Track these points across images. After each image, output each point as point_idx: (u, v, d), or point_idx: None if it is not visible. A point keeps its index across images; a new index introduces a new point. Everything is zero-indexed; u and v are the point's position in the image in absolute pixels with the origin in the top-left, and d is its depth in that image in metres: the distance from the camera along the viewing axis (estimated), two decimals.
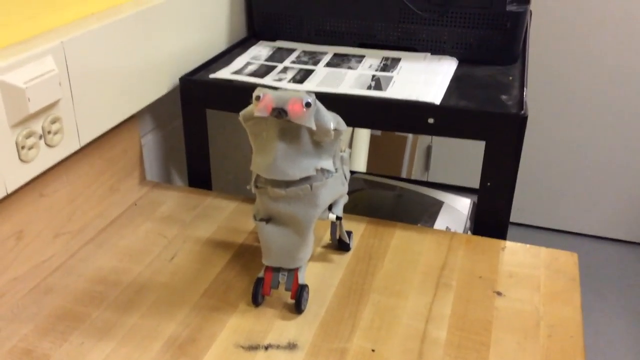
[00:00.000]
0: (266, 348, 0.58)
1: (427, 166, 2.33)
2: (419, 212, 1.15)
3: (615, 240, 2.27)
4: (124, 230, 0.75)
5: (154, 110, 0.91)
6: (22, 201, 0.66)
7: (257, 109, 0.56)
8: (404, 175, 2.06)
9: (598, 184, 2.20)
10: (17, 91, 0.59)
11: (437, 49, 0.93)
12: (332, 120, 0.58)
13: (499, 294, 0.65)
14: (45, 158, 0.65)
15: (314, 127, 0.56)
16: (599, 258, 2.17)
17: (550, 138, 2.18)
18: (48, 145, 0.65)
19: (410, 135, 2.04)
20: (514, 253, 0.72)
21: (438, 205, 1.18)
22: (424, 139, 2.28)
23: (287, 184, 0.59)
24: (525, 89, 0.80)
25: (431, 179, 2.28)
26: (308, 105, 0.55)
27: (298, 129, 0.57)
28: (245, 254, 0.72)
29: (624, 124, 2.09)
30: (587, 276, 2.10)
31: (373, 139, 2.00)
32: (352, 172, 1.30)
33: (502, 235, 0.77)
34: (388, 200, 1.20)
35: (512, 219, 2.26)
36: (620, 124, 2.09)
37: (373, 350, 0.58)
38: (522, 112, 0.73)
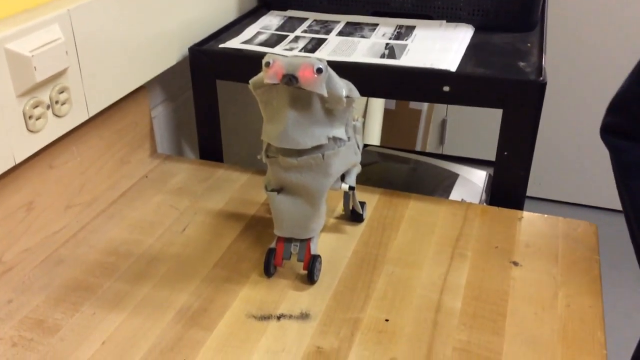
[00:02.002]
0: (278, 318, 0.57)
1: (441, 140, 2.30)
2: (433, 185, 1.14)
3: None
4: (135, 202, 0.75)
5: (164, 82, 0.90)
6: (31, 172, 0.65)
7: (267, 75, 0.55)
8: (418, 149, 2.04)
9: None
10: (23, 60, 0.58)
11: (453, 17, 0.91)
12: (345, 87, 0.57)
13: (515, 264, 0.64)
14: (53, 128, 0.64)
15: (325, 94, 0.55)
16: (618, 231, 2.14)
17: (569, 108, 2.14)
18: (56, 116, 0.64)
19: (424, 109, 2.01)
20: (531, 223, 0.70)
21: (453, 177, 1.16)
22: (439, 113, 2.25)
23: (299, 153, 0.58)
24: (544, 55, 0.78)
25: (446, 153, 2.26)
26: (319, 71, 0.54)
27: (309, 96, 0.56)
28: (257, 226, 0.71)
29: None
30: (605, 249, 2.08)
31: (387, 113, 1.98)
32: (365, 145, 1.28)
33: (519, 206, 0.75)
34: (402, 173, 1.19)
35: (529, 193, 2.23)
36: None
37: (387, 320, 0.57)
38: (541, 78, 0.70)
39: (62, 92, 0.64)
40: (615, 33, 1.97)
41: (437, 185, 1.14)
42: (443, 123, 2.27)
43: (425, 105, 2.01)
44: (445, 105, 2.23)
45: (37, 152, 0.65)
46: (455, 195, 1.09)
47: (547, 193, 2.29)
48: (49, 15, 0.62)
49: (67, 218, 0.71)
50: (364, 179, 1.13)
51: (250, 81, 0.58)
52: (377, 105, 1.86)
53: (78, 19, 0.65)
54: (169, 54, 0.82)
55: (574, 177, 2.24)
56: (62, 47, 0.62)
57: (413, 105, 2.00)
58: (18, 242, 0.65)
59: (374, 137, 1.84)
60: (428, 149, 2.15)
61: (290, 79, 0.54)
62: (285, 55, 0.55)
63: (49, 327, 0.56)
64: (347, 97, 0.57)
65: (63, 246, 0.67)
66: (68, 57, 0.64)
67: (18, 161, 0.61)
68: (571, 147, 2.20)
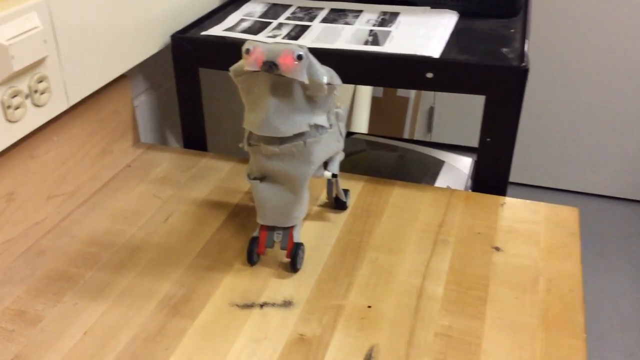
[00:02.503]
0: (261, 306, 0.57)
1: (429, 127, 2.30)
2: (420, 173, 1.14)
3: (618, 198, 2.26)
4: (117, 192, 0.74)
5: (147, 70, 0.89)
6: (11, 163, 0.65)
7: (248, 62, 0.54)
8: (406, 137, 2.04)
9: (601, 142, 2.17)
10: (0, 48, 0.57)
11: (437, 3, 0.90)
12: (326, 74, 0.56)
13: (497, 249, 0.64)
14: (33, 118, 0.64)
15: (306, 81, 0.55)
16: (601, 216, 2.16)
17: (552, 94, 2.14)
18: (35, 105, 0.64)
19: (411, 97, 2.01)
20: (513, 209, 0.70)
21: (439, 164, 1.17)
22: (426, 100, 2.25)
23: (281, 140, 0.58)
24: (526, 41, 0.78)
25: (434, 140, 2.26)
26: (300, 57, 0.53)
27: (290, 83, 0.55)
28: (240, 214, 0.71)
29: (629, 79, 2.05)
30: (589, 234, 2.10)
31: (374, 101, 1.97)
32: (353, 133, 1.28)
33: (502, 192, 0.76)
34: (389, 161, 1.19)
35: (512, 179, 2.25)
36: (625, 79, 2.05)
37: (369, 307, 0.57)
38: (523, 64, 0.70)
39: (41, 81, 0.63)
40: (599, 19, 1.98)
41: (424, 172, 1.14)
42: (431, 110, 2.27)
43: (412, 93, 2.01)
44: (433, 93, 2.24)
45: (17, 142, 0.65)
46: (441, 182, 1.09)
47: (531, 179, 2.31)
48: (27, 4, 0.61)
49: (48, 208, 0.70)
50: (350, 167, 1.13)
51: (230, 68, 0.57)
52: (365, 93, 1.86)
53: (57, 7, 0.64)
54: (151, 41, 0.81)
55: (556, 162, 2.25)
56: (40, 35, 0.62)
57: (400, 92, 2.00)
58: None
59: (362, 125, 1.84)
60: (416, 137, 2.15)
61: (270, 66, 0.53)
62: (265, 42, 0.55)
63: (31, 318, 0.56)
64: (329, 84, 0.56)
65: (44, 237, 0.67)
66: (47, 46, 0.63)
67: None
68: (554, 133, 2.21)
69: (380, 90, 2.00)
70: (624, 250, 2.06)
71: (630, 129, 2.12)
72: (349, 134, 1.25)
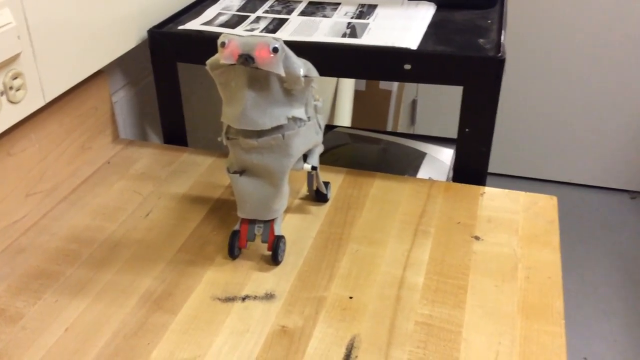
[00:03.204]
0: (243, 299, 0.57)
1: (412, 120, 2.31)
2: (403, 165, 1.14)
3: (596, 187, 2.28)
4: (97, 189, 0.74)
5: (125, 66, 0.88)
6: None
7: (223, 56, 0.54)
8: (389, 130, 2.04)
9: (578, 131, 2.20)
10: None
11: None
12: (302, 66, 0.56)
13: (477, 238, 0.65)
14: (8, 115, 0.63)
15: (282, 74, 0.55)
16: (579, 205, 2.19)
17: (529, 84, 2.16)
18: (11, 102, 0.63)
19: (394, 89, 2.01)
20: (493, 198, 0.71)
21: (421, 156, 1.17)
22: (409, 93, 2.26)
23: (259, 134, 0.58)
24: (503, 31, 0.78)
25: (418, 133, 2.27)
26: (275, 50, 0.53)
27: (267, 76, 0.55)
28: (222, 208, 0.71)
29: (606, 70, 2.07)
30: (569, 223, 2.12)
31: (357, 94, 1.97)
32: (335, 127, 1.28)
33: (482, 182, 0.76)
34: (372, 154, 1.19)
35: (492, 170, 2.27)
36: (602, 70, 2.07)
37: (351, 298, 0.57)
38: (500, 55, 0.71)
39: (15, 78, 0.63)
40: (575, 9, 2.00)
41: (407, 165, 1.14)
42: (413, 103, 2.28)
43: (395, 86, 2.01)
44: (416, 86, 2.24)
45: None
46: (423, 173, 1.10)
47: (510, 169, 2.32)
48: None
49: (27, 206, 0.70)
50: (333, 160, 1.13)
51: (207, 62, 0.57)
52: (347, 87, 1.86)
53: (30, 3, 0.63)
54: (128, 36, 0.81)
55: (535, 152, 2.27)
56: (13, 31, 0.61)
57: (383, 85, 2.00)
58: None
59: (345, 118, 1.84)
60: (399, 129, 2.16)
61: (246, 59, 0.53)
62: (241, 35, 0.55)
63: (11, 316, 0.56)
64: (305, 76, 0.56)
65: (24, 235, 0.66)
66: (20, 42, 0.62)
67: None
68: (532, 123, 2.23)
69: (363, 84, 2.00)
70: (603, 238, 2.09)
71: (607, 118, 2.14)
72: (332, 128, 1.26)
